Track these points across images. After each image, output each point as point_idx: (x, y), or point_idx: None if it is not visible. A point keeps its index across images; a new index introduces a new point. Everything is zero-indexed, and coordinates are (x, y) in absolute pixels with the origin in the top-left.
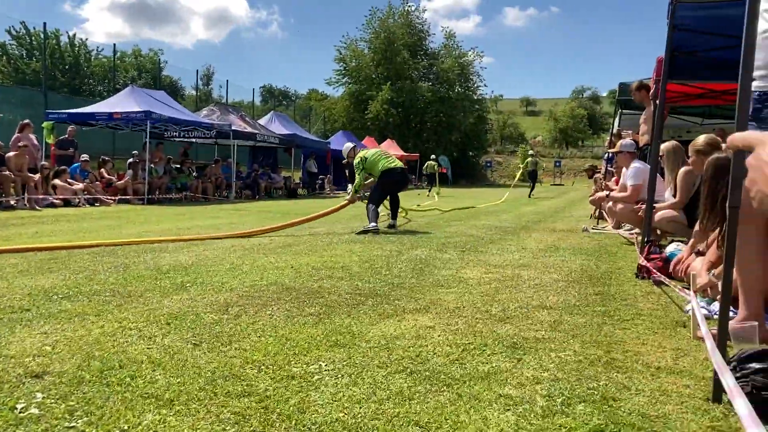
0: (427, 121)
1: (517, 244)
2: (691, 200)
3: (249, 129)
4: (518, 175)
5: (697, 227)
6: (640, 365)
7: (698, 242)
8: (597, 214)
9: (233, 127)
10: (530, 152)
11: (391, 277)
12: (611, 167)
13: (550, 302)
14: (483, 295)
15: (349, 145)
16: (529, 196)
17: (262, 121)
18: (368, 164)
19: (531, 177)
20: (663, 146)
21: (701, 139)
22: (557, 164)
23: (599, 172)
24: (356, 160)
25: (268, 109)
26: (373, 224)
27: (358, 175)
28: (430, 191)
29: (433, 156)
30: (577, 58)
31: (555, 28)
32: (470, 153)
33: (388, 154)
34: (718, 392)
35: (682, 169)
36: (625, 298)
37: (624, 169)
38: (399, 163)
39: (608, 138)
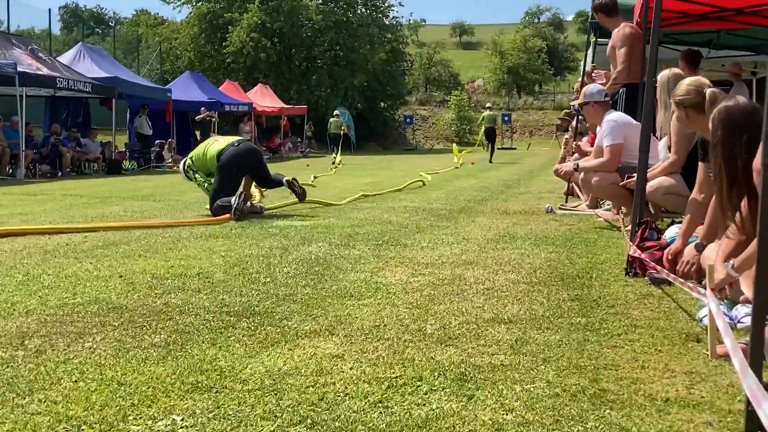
0: (316, 58)
1: (456, 234)
2: (689, 157)
3: (45, 70)
4: (479, 138)
5: (693, 195)
6: (642, 397)
7: (697, 222)
8: (567, 189)
9: (19, 68)
10: (487, 105)
11: (274, 286)
12: (583, 122)
13: (509, 313)
14: (412, 306)
15: None
16: (491, 161)
17: (64, 59)
18: (198, 164)
19: (488, 137)
20: (660, 76)
21: (684, 87)
22: (506, 119)
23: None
24: (182, 167)
25: (74, 40)
26: (235, 200)
27: (200, 186)
28: (335, 160)
29: (337, 111)
30: None
31: None
32: (381, 104)
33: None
34: (752, 429)
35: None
36: (613, 304)
37: (598, 127)
38: (235, 138)
39: (578, 80)
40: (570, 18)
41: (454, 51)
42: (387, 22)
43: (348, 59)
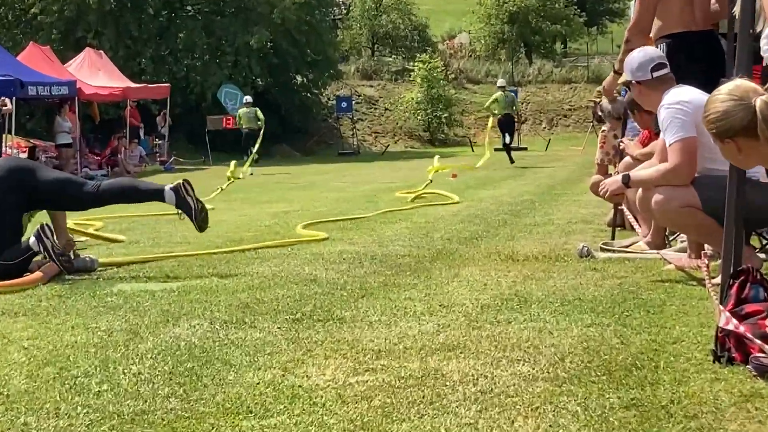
0: (184, 1)
1: (429, 298)
2: None
3: None
4: (488, 128)
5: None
6: None
7: None
8: (613, 217)
9: None
10: (499, 83)
11: (115, 399)
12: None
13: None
14: (354, 428)
15: None
16: (511, 162)
17: None
18: None
19: (504, 128)
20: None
21: (717, 104)
22: (509, 99)
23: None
24: None
25: None
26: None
27: None
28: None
29: (248, 98)
30: None
31: None
32: (297, 79)
33: None
34: None
35: None
36: (696, 414)
37: (655, 116)
38: None
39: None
40: None
41: None
42: None
43: (239, 3)
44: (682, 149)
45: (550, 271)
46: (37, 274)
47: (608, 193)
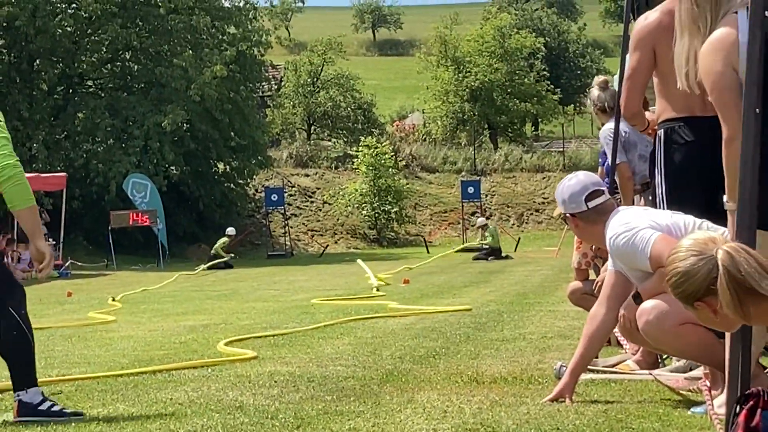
0: (85, 75)
1: (377, 425)
2: None
3: None
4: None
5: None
6: None
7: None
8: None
9: None
10: (479, 221)
11: None
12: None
13: None
14: None
15: None
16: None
17: None
18: None
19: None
20: None
21: (678, 264)
22: (470, 191)
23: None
24: None
25: None
26: None
27: None
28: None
29: (232, 231)
30: None
31: None
32: (219, 166)
33: None
34: None
35: None
36: None
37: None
38: None
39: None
40: None
41: (363, 58)
42: (227, 4)
43: (150, 77)
44: (661, 243)
45: (522, 395)
46: None
47: (630, 324)
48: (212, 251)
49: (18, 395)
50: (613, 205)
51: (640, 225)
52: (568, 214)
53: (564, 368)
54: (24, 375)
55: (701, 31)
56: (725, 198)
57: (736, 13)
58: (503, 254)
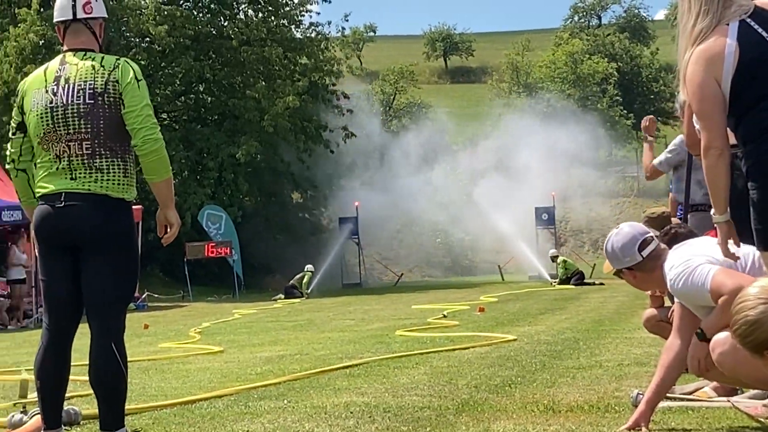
0: (159, 108)
1: None
2: None
3: None
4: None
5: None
6: None
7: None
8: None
9: None
10: (551, 252)
11: None
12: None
13: None
14: None
15: None
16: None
17: None
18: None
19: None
20: None
21: (746, 312)
22: (545, 218)
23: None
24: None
25: None
26: None
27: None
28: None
29: (310, 268)
30: None
31: None
32: (293, 197)
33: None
34: None
35: None
36: None
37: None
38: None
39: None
40: (660, 16)
41: (436, 86)
42: (299, 35)
43: (224, 109)
44: (721, 275)
45: (598, 424)
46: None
47: (700, 363)
48: (291, 282)
49: None
50: (666, 249)
51: (696, 261)
52: (625, 270)
53: (641, 396)
54: (115, 413)
55: (691, 37)
56: (712, 211)
57: (728, 25)
58: (589, 280)
